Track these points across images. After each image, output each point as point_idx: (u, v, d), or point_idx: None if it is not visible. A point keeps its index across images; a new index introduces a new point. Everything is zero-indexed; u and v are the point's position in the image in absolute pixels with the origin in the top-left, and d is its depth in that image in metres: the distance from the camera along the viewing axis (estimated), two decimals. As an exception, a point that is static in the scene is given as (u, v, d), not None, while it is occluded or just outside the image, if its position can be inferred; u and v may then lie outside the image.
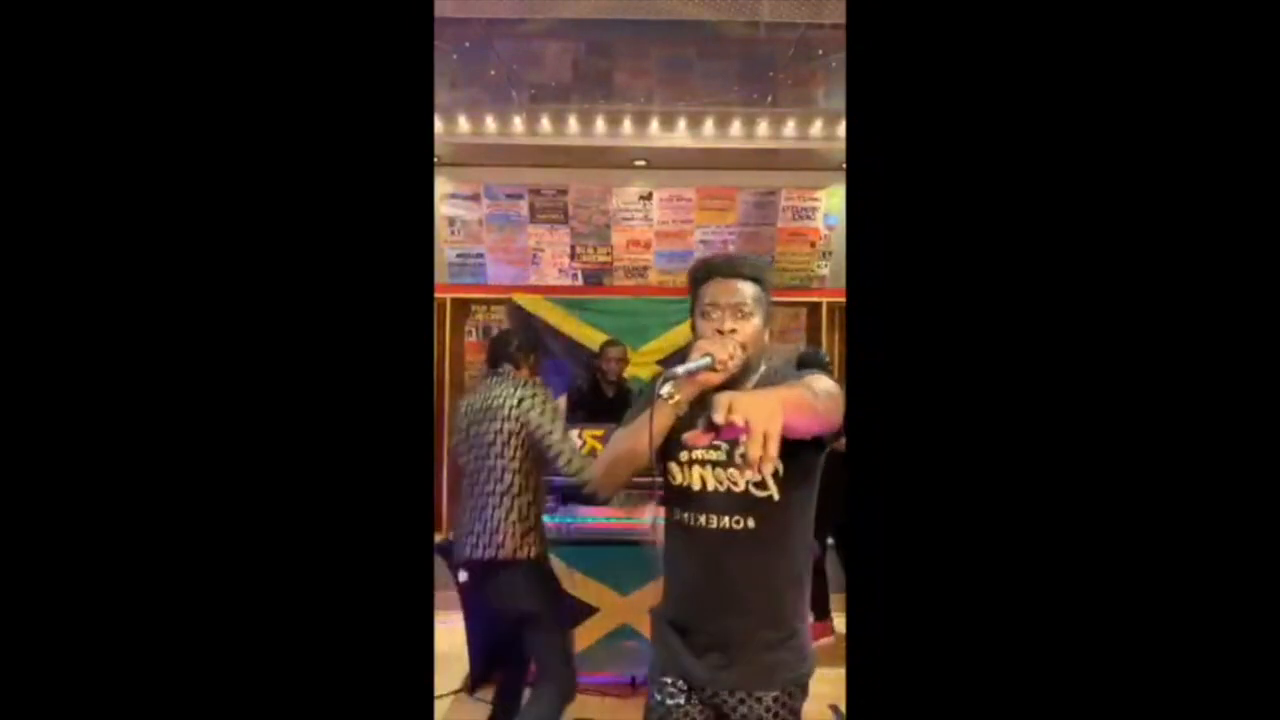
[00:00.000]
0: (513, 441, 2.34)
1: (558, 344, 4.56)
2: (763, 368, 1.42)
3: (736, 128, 4.14)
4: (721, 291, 1.38)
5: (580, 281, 4.82)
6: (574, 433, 2.79)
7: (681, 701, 1.38)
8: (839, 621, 4.00)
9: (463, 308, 4.79)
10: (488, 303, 4.80)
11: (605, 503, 2.65)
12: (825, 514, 4.05)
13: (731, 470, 1.36)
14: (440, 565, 3.02)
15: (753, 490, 1.35)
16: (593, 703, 3.10)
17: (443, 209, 4.66)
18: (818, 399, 1.19)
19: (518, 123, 4.12)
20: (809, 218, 4.75)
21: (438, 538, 3.46)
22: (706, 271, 1.43)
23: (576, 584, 3.19)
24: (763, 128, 4.13)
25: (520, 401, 2.33)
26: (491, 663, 2.80)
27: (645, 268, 4.81)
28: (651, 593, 2.39)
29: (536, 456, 2.35)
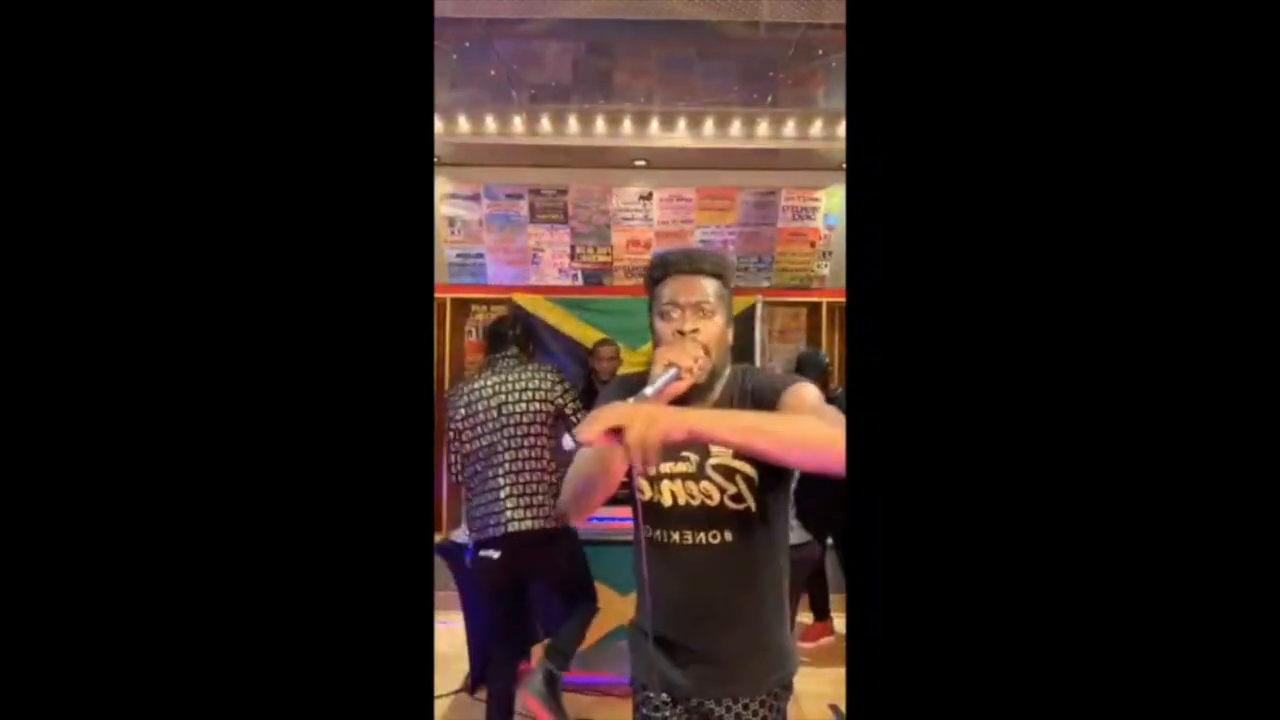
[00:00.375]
0: (547, 421, 2.58)
1: (558, 344, 4.56)
2: (728, 370, 1.34)
3: (736, 128, 4.14)
4: (681, 290, 1.29)
5: (580, 281, 4.82)
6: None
7: (667, 714, 1.34)
8: (839, 621, 4.01)
9: (463, 308, 4.80)
10: (488, 303, 4.80)
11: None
12: (825, 514, 4.05)
13: (704, 484, 1.29)
14: (440, 565, 3.04)
15: (728, 503, 1.29)
16: (593, 703, 3.11)
17: (443, 209, 4.66)
18: (775, 436, 1.09)
19: (518, 123, 4.12)
20: (809, 218, 4.75)
21: (438, 538, 3.46)
22: (664, 269, 1.33)
23: (576, 584, 3.19)
24: (763, 128, 4.13)
25: (554, 386, 2.62)
26: (492, 650, 2.89)
27: (645, 268, 4.80)
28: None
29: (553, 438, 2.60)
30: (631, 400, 1.07)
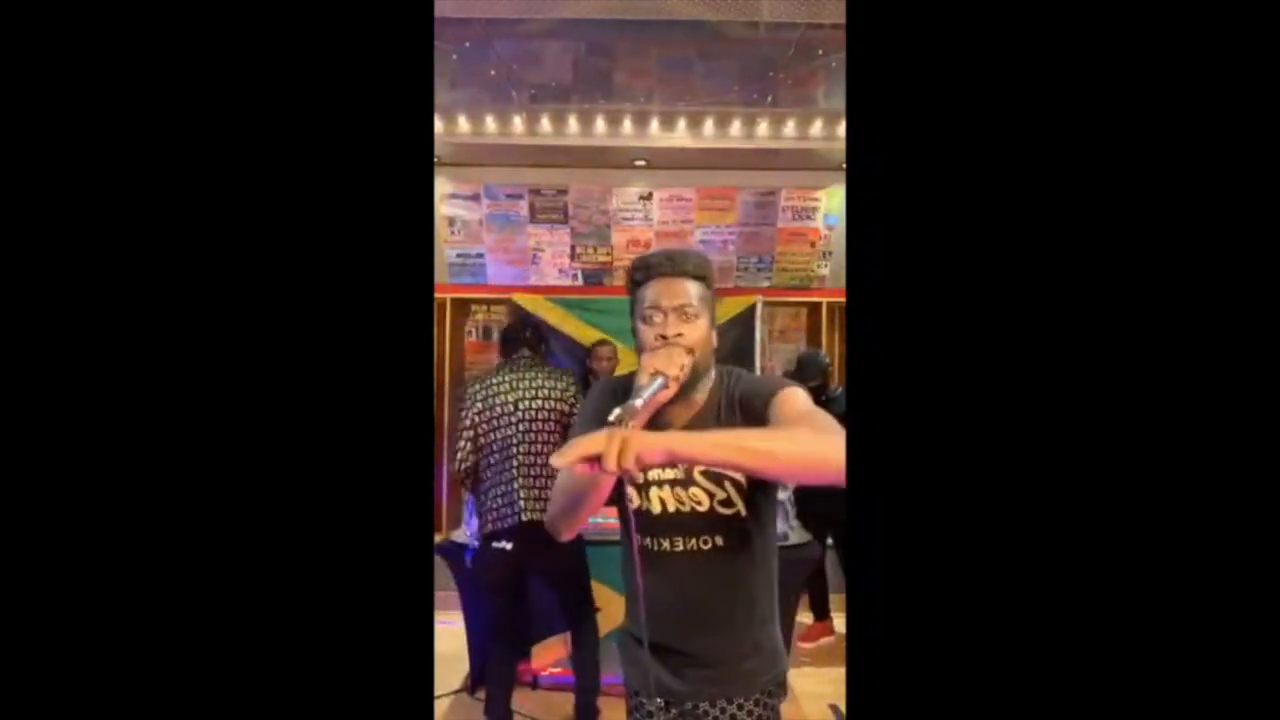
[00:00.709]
0: (560, 420, 2.77)
1: (558, 344, 4.56)
2: (712, 374, 1.31)
3: (736, 128, 4.14)
4: (664, 293, 1.26)
5: (580, 281, 4.82)
6: None
7: (661, 719, 1.34)
8: (839, 621, 4.01)
9: (463, 308, 4.80)
10: (488, 303, 4.80)
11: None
12: (825, 514, 4.05)
13: (693, 489, 1.28)
14: (440, 565, 3.04)
15: (718, 508, 1.28)
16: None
17: (443, 209, 4.66)
18: (759, 453, 1.06)
19: (518, 123, 4.12)
20: (809, 218, 4.75)
21: (438, 538, 3.46)
22: (646, 271, 1.30)
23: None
24: (763, 128, 4.14)
25: (567, 388, 2.82)
26: (495, 643, 2.96)
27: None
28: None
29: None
30: (618, 411, 1.05)
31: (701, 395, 1.30)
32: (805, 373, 3.82)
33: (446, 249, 4.72)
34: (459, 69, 3.59)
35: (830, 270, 4.81)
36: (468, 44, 3.39)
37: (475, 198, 4.69)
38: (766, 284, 4.83)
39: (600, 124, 4.12)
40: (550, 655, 3.23)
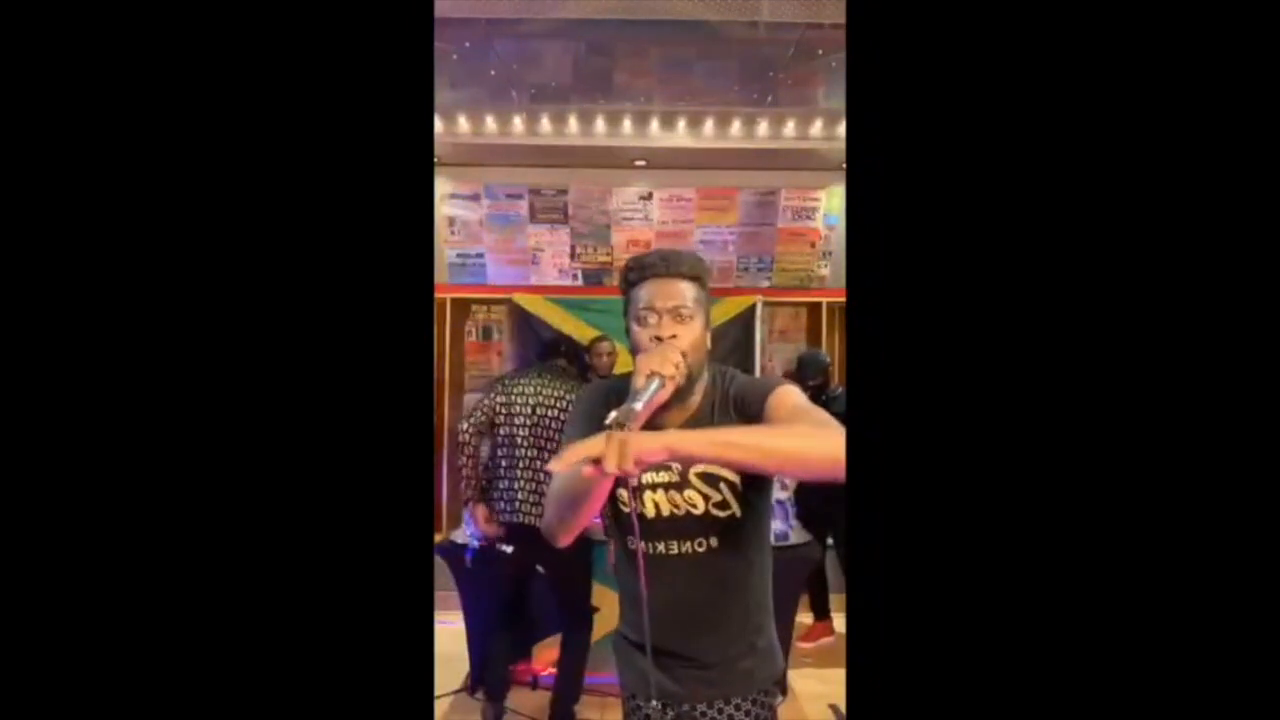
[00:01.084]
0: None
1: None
2: (706, 375, 1.30)
3: (736, 128, 4.14)
4: (659, 294, 1.25)
5: (580, 281, 4.81)
6: None
7: None
8: (839, 621, 4.01)
9: (463, 308, 4.79)
10: (488, 303, 4.79)
11: None
12: (825, 514, 4.04)
13: (689, 492, 1.28)
14: (441, 566, 3.04)
15: (713, 511, 1.28)
16: (593, 703, 3.11)
17: (443, 209, 4.66)
18: (759, 450, 1.07)
19: (518, 123, 4.12)
20: (809, 218, 4.75)
21: (438, 538, 3.46)
22: (640, 272, 1.28)
23: (576, 584, 3.19)
24: (763, 128, 4.14)
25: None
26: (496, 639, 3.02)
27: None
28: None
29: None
30: (615, 414, 1.05)
31: (697, 397, 1.29)
32: (805, 373, 3.82)
33: (446, 249, 4.72)
34: (459, 69, 3.59)
35: (830, 270, 4.81)
36: (468, 44, 3.38)
37: (475, 198, 4.69)
38: (766, 284, 4.83)
39: (600, 124, 4.11)
40: (550, 655, 3.23)
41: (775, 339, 4.86)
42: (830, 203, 4.70)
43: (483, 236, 4.75)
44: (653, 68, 3.71)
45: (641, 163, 4.52)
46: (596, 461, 0.99)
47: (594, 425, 1.11)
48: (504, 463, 2.87)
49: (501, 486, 2.86)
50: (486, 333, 4.82)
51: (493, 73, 3.64)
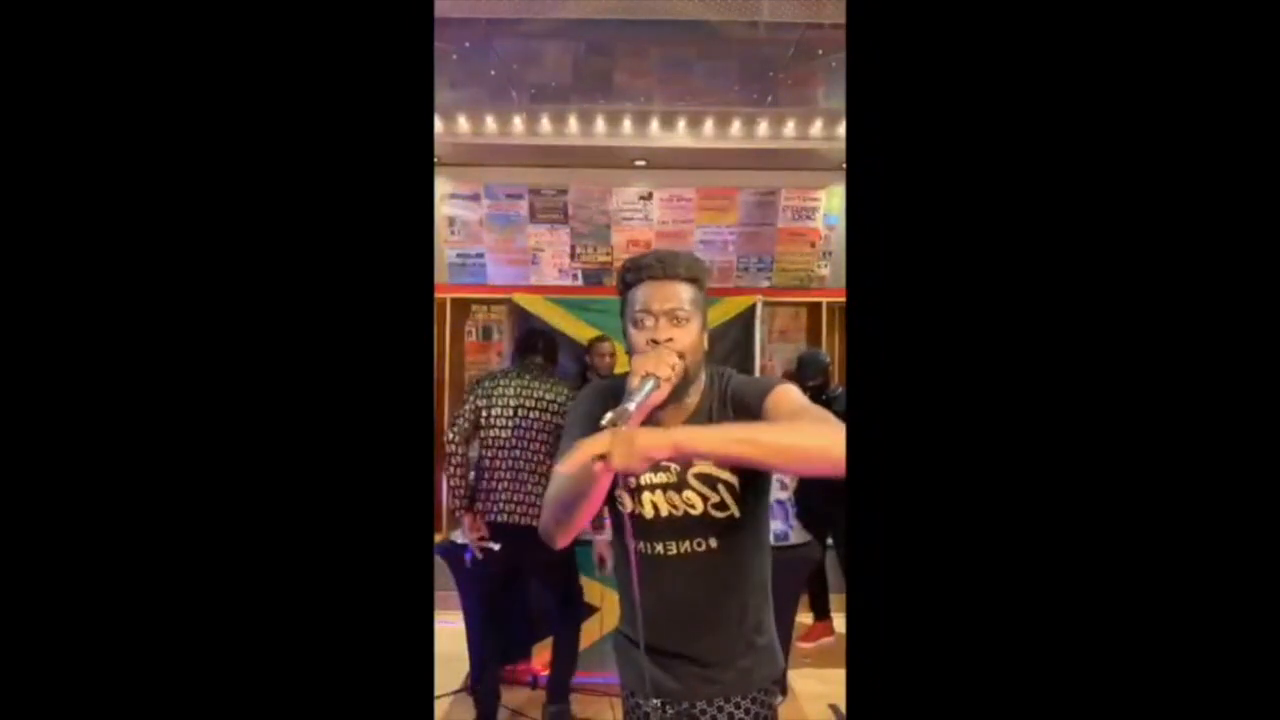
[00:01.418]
0: (554, 433, 2.83)
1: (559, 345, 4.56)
2: (703, 376, 1.30)
3: (736, 128, 4.14)
4: (655, 296, 1.24)
5: (580, 281, 4.81)
6: None
7: (656, 719, 1.35)
8: (839, 621, 4.01)
9: (463, 308, 4.79)
10: (488, 303, 4.79)
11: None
12: (825, 514, 4.03)
13: (687, 493, 1.28)
14: (440, 566, 3.04)
15: (712, 512, 1.28)
16: (592, 703, 3.11)
17: (443, 209, 4.66)
18: (763, 445, 1.08)
19: (518, 123, 4.12)
20: (809, 218, 4.75)
21: (438, 538, 3.46)
22: (637, 273, 1.27)
23: (577, 584, 3.19)
24: (763, 128, 4.14)
25: (566, 401, 2.88)
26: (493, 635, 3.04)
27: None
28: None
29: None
30: (610, 415, 1.05)
31: (694, 398, 1.29)
32: (805, 372, 3.82)
33: (446, 249, 4.72)
34: (459, 69, 3.59)
35: (830, 270, 4.81)
36: (468, 44, 3.38)
37: (475, 198, 4.69)
38: (766, 284, 4.83)
39: (600, 124, 4.11)
40: (550, 655, 3.23)
41: (775, 339, 4.86)
42: (830, 203, 4.70)
43: (483, 236, 4.75)
44: (653, 68, 3.71)
45: (641, 163, 4.52)
46: (603, 458, 0.99)
47: (592, 426, 1.11)
48: (490, 467, 2.89)
49: (485, 487, 2.88)
50: (486, 333, 4.82)
51: (493, 73, 3.64)
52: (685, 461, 1.27)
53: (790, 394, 1.24)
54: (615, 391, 1.22)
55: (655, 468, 1.27)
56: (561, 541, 1.27)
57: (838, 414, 1.12)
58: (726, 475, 1.28)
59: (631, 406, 1.08)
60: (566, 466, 1.01)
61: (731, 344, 4.43)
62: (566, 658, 2.98)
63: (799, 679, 3.39)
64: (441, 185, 4.62)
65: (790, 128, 4.14)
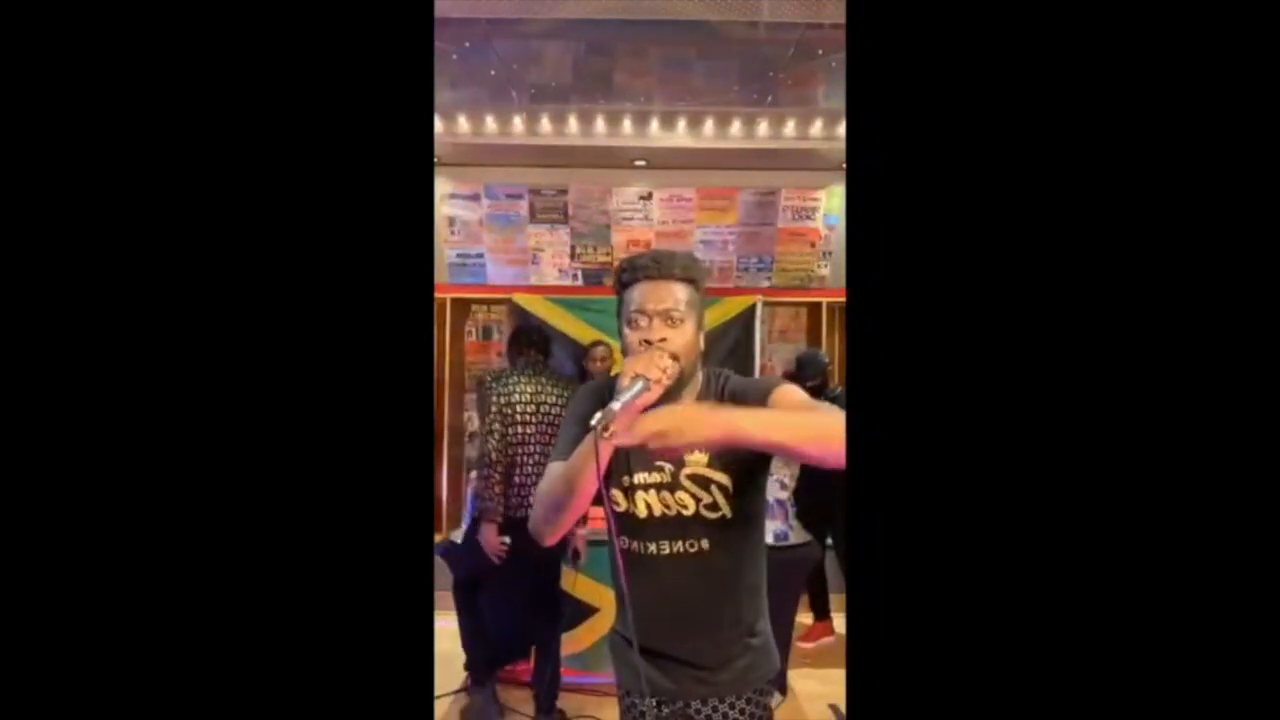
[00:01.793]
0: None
1: (558, 344, 4.55)
2: (699, 377, 1.31)
3: (736, 128, 4.14)
4: (650, 296, 1.24)
5: (580, 281, 4.81)
6: None
7: (651, 718, 1.35)
8: (839, 621, 4.01)
9: (463, 308, 4.79)
10: (488, 303, 4.80)
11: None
12: (825, 514, 4.03)
13: (680, 494, 1.28)
14: (441, 566, 3.04)
15: (704, 512, 1.28)
16: (592, 703, 3.11)
17: (443, 209, 4.66)
18: (760, 430, 1.07)
19: (518, 123, 4.12)
20: (809, 218, 4.75)
21: (438, 538, 3.46)
22: (633, 273, 1.28)
23: (577, 584, 3.19)
24: (763, 128, 4.14)
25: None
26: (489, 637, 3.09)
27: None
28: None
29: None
30: (599, 415, 1.05)
31: (689, 399, 1.29)
32: (805, 372, 3.81)
33: (446, 249, 4.72)
34: (459, 69, 3.59)
35: (830, 270, 4.81)
36: (468, 44, 3.38)
37: (475, 198, 4.69)
38: (766, 284, 4.83)
39: (600, 124, 4.11)
40: (534, 666, 3.24)
41: (775, 339, 4.86)
42: (830, 203, 4.70)
43: (483, 236, 4.74)
44: (653, 68, 3.71)
45: (641, 163, 4.52)
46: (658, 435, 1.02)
47: (584, 425, 1.12)
48: (518, 462, 2.94)
49: (516, 484, 2.93)
50: (486, 333, 4.82)
51: (493, 73, 3.64)
52: (678, 461, 1.27)
53: (796, 392, 1.23)
54: (608, 392, 1.22)
55: (649, 468, 1.28)
56: (550, 539, 1.28)
57: None
58: (719, 476, 1.28)
59: (616, 406, 1.08)
60: (626, 438, 1.04)
61: (731, 344, 4.43)
62: (551, 668, 2.99)
63: (799, 679, 3.39)
64: (441, 185, 4.62)
65: (790, 128, 4.14)
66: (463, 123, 4.11)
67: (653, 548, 1.30)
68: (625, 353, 1.28)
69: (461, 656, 3.25)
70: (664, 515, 1.29)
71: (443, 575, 3.02)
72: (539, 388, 2.97)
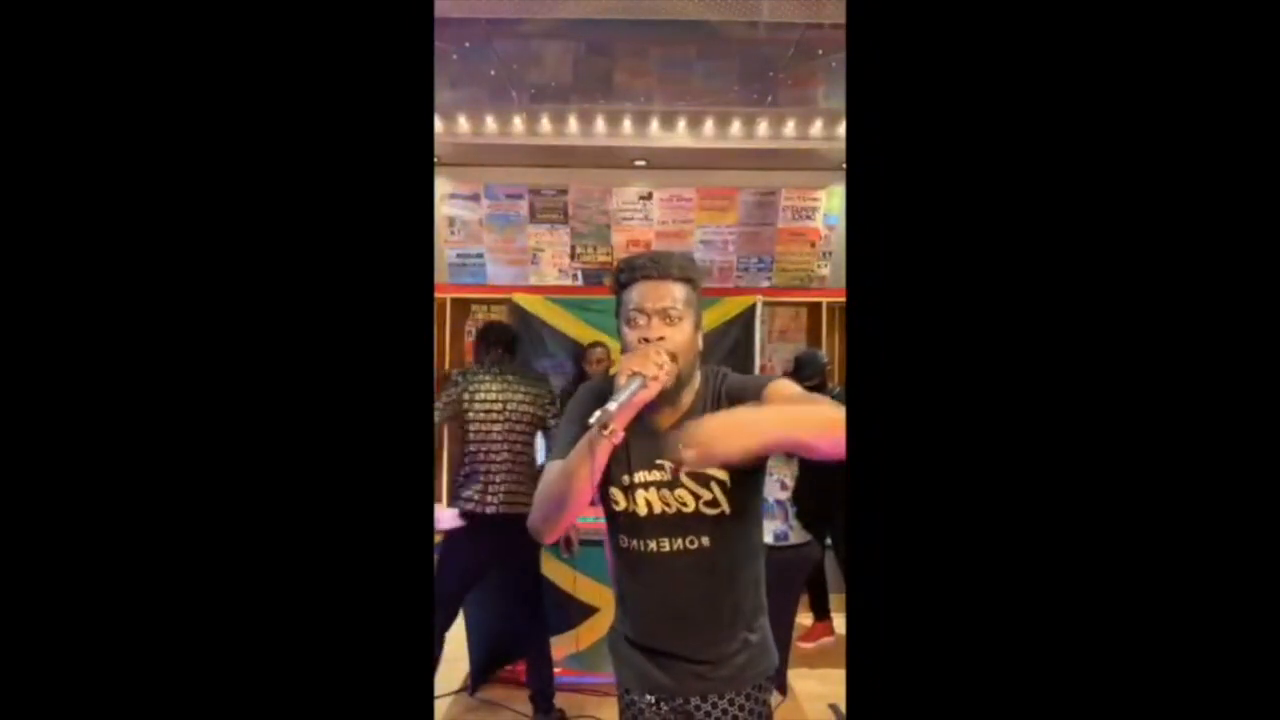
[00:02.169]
0: (535, 424, 2.97)
1: (557, 344, 4.56)
2: (697, 376, 1.31)
3: (736, 128, 4.14)
4: (648, 295, 1.26)
5: (580, 281, 4.82)
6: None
7: (651, 716, 1.36)
8: (839, 621, 4.01)
9: (463, 308, 4.79)
10: (488, 303, 4.80)
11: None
12: (825, 514, 4.02)
13: (679, 491, 1.28)
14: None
15: (703, 509, 1.28)
16: (592, 703, 3.11)
17: (443, 209, 4.66)
18: (766, 424, 1.08)
19: (518, 123, 4.12)
20: (809, 218, 4.75)
21: (438, 537, 3.46)
22: (631, 273, 1.29)
23: (577, 584, 3.19)
24: (763, 128, 4.14)
25: (542, 393, 3.00)
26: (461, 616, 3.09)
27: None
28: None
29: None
30: (596, 415, 1.06)
31: (688, 398, 1.30)
32: (804, 372, 3.81)
33: (446, 249, 4.72)
34: (459, 69, 3.59)
35: (830, 270, 4.81)
36: (468, 44, 3.38)
37: (475, 198, 4.69)
38: (766, 284, 4.83)
39: (600, 124, 4.12)
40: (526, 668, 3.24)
41: (775, 339, 4.86)
42: (830, 203, 4.70)
43: (483, 236, 4.75)
44: (653, 68, 3.71)
45: (641, 163, 4.52)
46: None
47: (582, 425, 1.12)
48: (484, 461, 2.92)
49: (479, 483, 2.92)
50: (486, 333, 4.82)
51: (493, 73, 3.64)
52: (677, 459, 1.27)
53: (790, 386, 1.24)
54: (607, 392, 1.22)
55: (650, 466, 1.29)
56: (549, 537, 1.30)
57: None
58: (718, 473, 1.28)
59: (613, 406, 1.08)
60: (675, 457, 1.03)
61: (731, 344, 4.43)
62: (544, 667, 3.00)
63: (799, 679, 3.39)
64: (441, 185, 4.62)
65: (790, 128, 4.14)
66: (463, 123, 4.11)
67: (653, 545, 1.31)
68: (624, 352, 1.28)
69: (462, 657, 3.25)
70: (664, 513, 1.30)
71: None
72: (508, 390, 2.94)
